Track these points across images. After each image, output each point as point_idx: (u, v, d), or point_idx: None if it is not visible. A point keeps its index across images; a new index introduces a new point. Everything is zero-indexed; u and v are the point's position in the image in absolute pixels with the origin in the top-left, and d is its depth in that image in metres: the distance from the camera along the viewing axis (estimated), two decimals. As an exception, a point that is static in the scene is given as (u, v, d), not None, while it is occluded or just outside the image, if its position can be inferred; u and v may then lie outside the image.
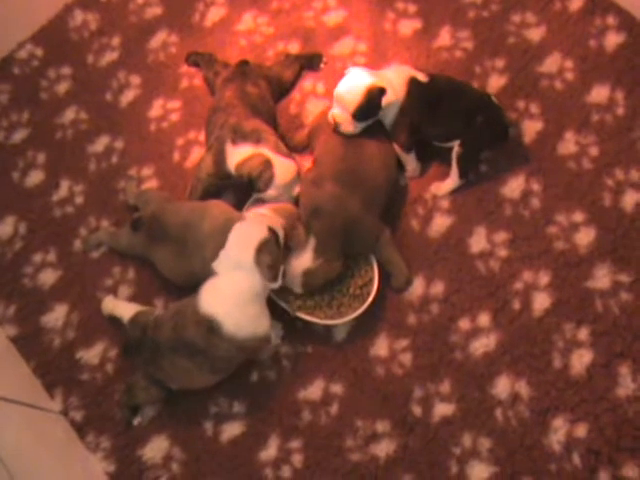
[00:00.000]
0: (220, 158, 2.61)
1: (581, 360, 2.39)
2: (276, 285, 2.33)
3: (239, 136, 2.57)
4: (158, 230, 2.56)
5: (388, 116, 2.59)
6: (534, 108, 2.77)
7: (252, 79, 2.79)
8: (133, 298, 2.72)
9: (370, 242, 2.52)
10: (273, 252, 2.28)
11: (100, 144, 3.06)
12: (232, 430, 2.49)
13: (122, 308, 2.61)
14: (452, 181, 2.65)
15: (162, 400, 2.51)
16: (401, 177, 2.72)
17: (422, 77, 2.58)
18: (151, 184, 2.92)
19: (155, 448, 2.50)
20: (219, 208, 2.53)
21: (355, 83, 2.50)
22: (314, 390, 2.49)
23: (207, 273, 2.35)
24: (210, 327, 2.28)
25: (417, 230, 2.66)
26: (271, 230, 2.29)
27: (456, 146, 2.58)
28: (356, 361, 2.51)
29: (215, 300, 2.29)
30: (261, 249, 2.26)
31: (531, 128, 2.74)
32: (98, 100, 3.15)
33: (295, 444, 2.44)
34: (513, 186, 2.66)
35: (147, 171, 2.95)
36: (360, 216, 2.47)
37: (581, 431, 2.30)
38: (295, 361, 2.54)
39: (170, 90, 3.10)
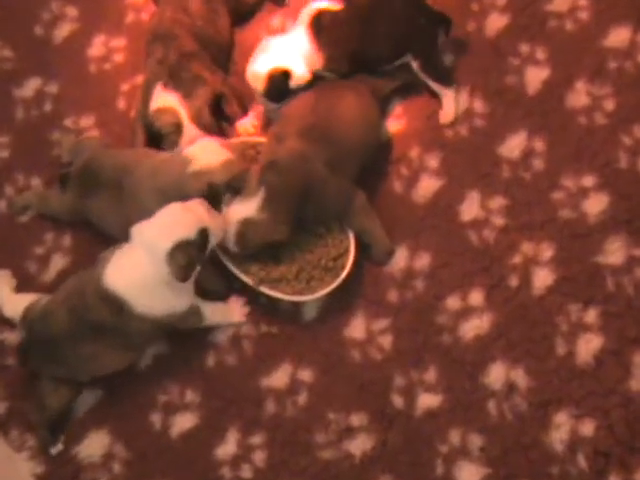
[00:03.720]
0: (147, 98, 2.61)
1: (588, 346, 2.26)
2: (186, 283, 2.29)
3: (173, 81, 2.59)
4: (91, 179, 2.52)
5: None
6: (540, 53, 2.66)
7: None
8: (69, 268, 2.64)
9: (339, 208, 2.45)
10: (191, 254, 2.21)
11: (29, 88, 3.00)
12: (184, 423, 2.40)
13: (10, 305, 2.50)
14: (447, 99, 2.60)
15: (76, 398, 2.43)
16: (383, 132, 2.64)
17: (333, 5, 2.59)
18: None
19: (93, 445, 2.42)
20: (158, 152, 2.57)
21: (257, 66, 2.56)
22: (279, 377, 2.41)
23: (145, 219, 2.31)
24: (119, 306, 2.23)
25: (400, 193, 2.58)
26: (202, 231, 2.22)
27: (412, 61, 2.59)
28: (328, 344, 2.43)
29: (121, 279, 2.23)
30: (180, 246, 2.18)
31: (536, 76, 2.63)
32: (26, 34, 3.11)
33: (257, 439, 2.34)
34: (512, 144, 2.56)
35: (87, 120, 2.89)
36: (324, 177, 2.39)
37: (588, 429, 2.16)
38: (258, 343, 2.46)
39: (113, 25, 3.05)
